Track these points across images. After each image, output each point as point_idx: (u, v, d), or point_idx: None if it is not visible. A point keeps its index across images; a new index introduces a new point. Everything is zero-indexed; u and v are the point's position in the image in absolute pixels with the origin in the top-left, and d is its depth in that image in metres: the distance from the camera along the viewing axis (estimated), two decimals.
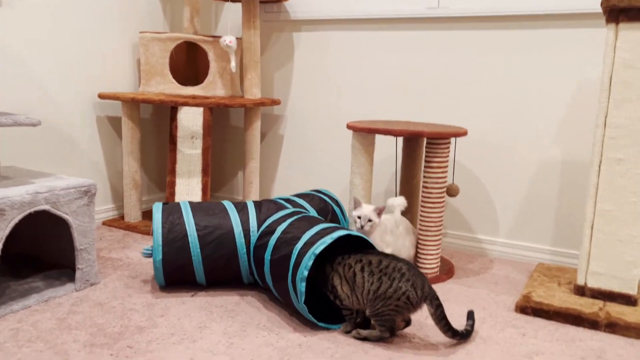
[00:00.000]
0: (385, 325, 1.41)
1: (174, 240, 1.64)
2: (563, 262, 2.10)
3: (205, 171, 2.34)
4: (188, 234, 1.65)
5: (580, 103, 2.00)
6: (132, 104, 2.35)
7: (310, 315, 1.47)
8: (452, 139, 2.21)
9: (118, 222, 2.41)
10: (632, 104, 1.56)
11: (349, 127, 1.92)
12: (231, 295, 1.70)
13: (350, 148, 2.44)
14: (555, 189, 2.08)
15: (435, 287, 1.84)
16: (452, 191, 2.00)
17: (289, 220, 1.64)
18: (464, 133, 1.86)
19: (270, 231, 1.64)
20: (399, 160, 2.27)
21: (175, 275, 1.67)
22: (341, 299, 1.46)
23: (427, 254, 1.89)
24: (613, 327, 1.53)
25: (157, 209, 1.69)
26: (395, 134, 1.80)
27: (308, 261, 1.43)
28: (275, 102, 2.47)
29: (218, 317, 1.54)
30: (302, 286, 1.42)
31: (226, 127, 2.80)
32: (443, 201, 1.89)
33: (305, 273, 1.42)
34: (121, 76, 2.48)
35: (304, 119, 2.56)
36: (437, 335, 1.48)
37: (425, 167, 1.86)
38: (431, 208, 1.86)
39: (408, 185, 2.09)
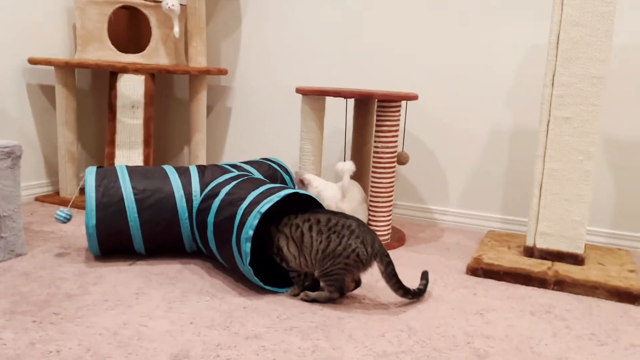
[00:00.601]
0: (335, 285, 1.35)
1: (108, 205, 1.53)
2: (513, 230, 2.10)
3: (147, 142, 2.22)
4: (124, 197, 1.54)
5: (529, 70, 2.00)
6: (67, 69, 2.20)
7: (255, 278, 1.39)
8: (403, 106, 2.18)
9: (52, 198, 2.26)
10: (579, 61, 1.56)
11: (298, 90, 1.85)
12: (172, 264, 1.60)
13: (300, 116, 2.37)
14: (505, 157, 2.08)
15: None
16: (402, 159, 1.97)
17: (233, 183, 1.55)
18: (414, 97, 1.82)
19: (213, 194, 1.55)
20: (349, 128, 2.21)
21: (111, 242, 1.56)
22: (288, 260, 1.39)
23: (378, 221, 1.85)
24: (561, 284, 1.53)
25: (91, 172, 1.57)
26: (345, 95, 1.74)
27: (253, 220, 1.35)
28: (222, 72, 2.37)
29: (157, 284, 1.44)
30: (247, 247, 1.34)
31: (170, 99, 2.67)
32: (394, 167, 1.84)
33: (251, 233, 1.34)
34: (55, 42, 2.32)
35: (252, 90, 2.47)
36: (388, 296, 1.43)
37: (376, 131, 1.81)
38: (382, 174, 1.82)
39: (359, 153, 2.04)
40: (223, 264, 1.54)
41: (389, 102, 1.77)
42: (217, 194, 1.53)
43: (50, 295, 1.34)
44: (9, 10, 2.11)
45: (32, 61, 2.14)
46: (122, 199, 1.53)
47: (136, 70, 2.10)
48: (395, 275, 1.34)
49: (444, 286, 1.54)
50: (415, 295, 1.39)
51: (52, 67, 2.29)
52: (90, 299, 1.32)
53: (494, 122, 2.07)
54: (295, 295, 1.41)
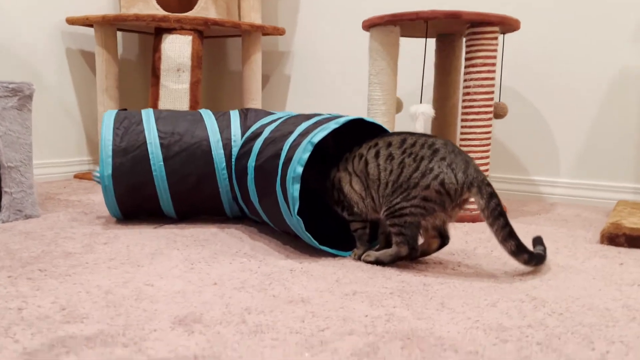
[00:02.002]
0: (405, 233, 0.94)
1: (128, 150, 1.22)
2: None
3: (193, 109, 1.93)
4: (147, 141, 1.23)
5: None
6: (106, 29, 1.97)
7: (307, 234, 1.02)
8: (499, 45, 1.76)
9: (91, 175, 2.01)
10: None
11: (365, 24, 1.49)
12: (208, 227, 1.27)
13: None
14: (635, 110, 1.60)
15: (483, 224, 1.35)
16: (498, 110, 1.54)
17: (281, 120, 1.21)
18: (515, 22, 1.41)
19: (255, 135, 1.21)
20: (429, 78, 1.82)
21: (133, 199, 1.25)
22: (351, 203, 1.02)
23: None
24: None
25: (109, 115, 1.28)
26: (424, 16, 1.36)
27: (303, 154, 0.99)
28: (279, 31, 2.06)
29: (182, 245, 1.11)
30: (294, 189, 0.98)
31: (223, 70, 2.40)
32: (490, 113, 1.43)
33: (299, 170, 0.98)
34: (99, 4, 2.12)
35: (314, 55, 2.15)
36: (494, 262, 1.02)
37: (466, 67, 1.42)
38: (475, 121, 1.41)
39: (442, 108, 1.64)
40: (268, 222, 1.18)
41: (483, 25, 1.37)
42: (259, 134, 1.19)
43: (45, 252, 1.03)
44: None
45: (70, 21, 1.93)
46: (144, 144, 1.22)
47: (179, 21, 1.83)
48: (503, 214, 0.91)
49: (571, 255, 1.09)
50: (533, 258, 0.95)
51: (93, 31, 2.08)
52: (92, 258, 1.01)
53: (619, 65, 1.61)
54: (359, 258, 1.02)
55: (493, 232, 0.92)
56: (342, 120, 1.03)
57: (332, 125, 1.02)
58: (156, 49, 1.95)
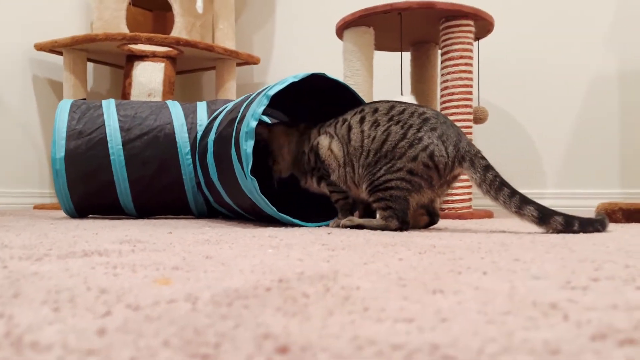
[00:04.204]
0: (392, 207, 0.82)
1: (83, 132, 1.13)
2: None
3: None
4: (106, 124, 1.14)
5: None
6: (77, 55, 1.92)
7: (262, 197, 0.90)
8: (475, 51, 1.74)
9: (52, 205, 1.88)
10: None
11: (339, 26, 1.47)
12: (170, 219, 1.15)
13: None
14: (616, 112, 1.57)
15: (470, 222, 1.25)
16: (479, 113, 1.50)
17: (246, 97, 1.13)
18: (488, 18, 1.40)
19: (219, 113, 1.13)
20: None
21: (87, 186, 1.14)
22: (328, 171, 0.92)
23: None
24: None
25: (65, 102, 1.20)
26: (398, 7, 1.34)
27: (257, 108, 0.91)
28: (254, 60, 2.05)
29: (138, 225, 0.98)
30: (248, 145, 0.89)
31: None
32: (470, 107, 1.39)
33: (253, 124, 0.90)
34: (67, 31, 2.09)
35: None
36: (494, 227, 0.92)
37: (443, 61, 1.39)
38: (455, 114, 1.36)
39: None
40: (230, 204, 1.07)
41: (458, 17, 1.36)
42: (223, 111, 1.11)
43: None
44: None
45: (38, 46, 1.89)
46: (103, 126, 1.13)
47: (150, 40, 1.80)
48: (505, 184, 0.81)
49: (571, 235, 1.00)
50: (572, 221, 0.79)
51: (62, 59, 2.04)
52: (32, 228, 0.88)
53: (594, 70, 1.60)
54: (340, 225, 0.91)
55: (502, 205, 0.79)
56: (300, 75, 0.96)
57: (290, 79, 0.95)
58: (127, 75, 1.91)
